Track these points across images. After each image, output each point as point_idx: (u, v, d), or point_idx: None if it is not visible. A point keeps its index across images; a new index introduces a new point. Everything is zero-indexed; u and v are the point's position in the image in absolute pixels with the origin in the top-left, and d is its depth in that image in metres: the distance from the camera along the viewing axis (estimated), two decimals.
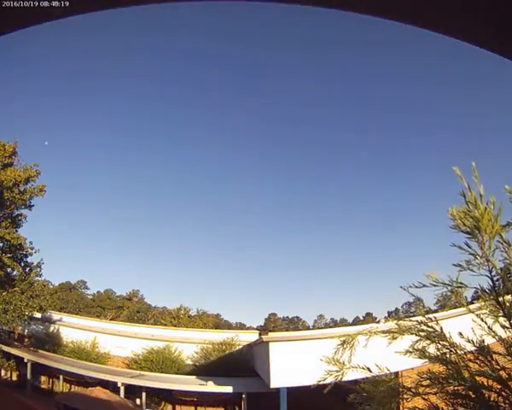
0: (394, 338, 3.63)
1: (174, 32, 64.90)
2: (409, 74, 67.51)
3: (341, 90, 74.48)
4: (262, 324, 64.61)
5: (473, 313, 3.47)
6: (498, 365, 3.17)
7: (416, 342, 3.55)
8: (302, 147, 79.96)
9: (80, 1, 1.65)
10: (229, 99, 77.88)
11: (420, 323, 3.57)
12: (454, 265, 3.07)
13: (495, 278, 3.09)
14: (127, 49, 65.60)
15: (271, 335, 17.55)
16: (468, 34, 1.69)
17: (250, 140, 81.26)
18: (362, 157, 79.50)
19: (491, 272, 3.03)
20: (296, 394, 14.67)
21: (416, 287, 3.32)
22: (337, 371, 3.73)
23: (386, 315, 46.61)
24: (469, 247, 3.02)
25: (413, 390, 3.31)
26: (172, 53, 71.20)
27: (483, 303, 3.29)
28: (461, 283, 3.21)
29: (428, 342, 3.46)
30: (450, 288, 3.27)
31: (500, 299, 3.08)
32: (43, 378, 21.88)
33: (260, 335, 24.87)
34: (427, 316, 3.61)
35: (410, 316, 4.31)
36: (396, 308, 53.80)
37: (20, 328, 21.28)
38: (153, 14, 39.95)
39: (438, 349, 3.41)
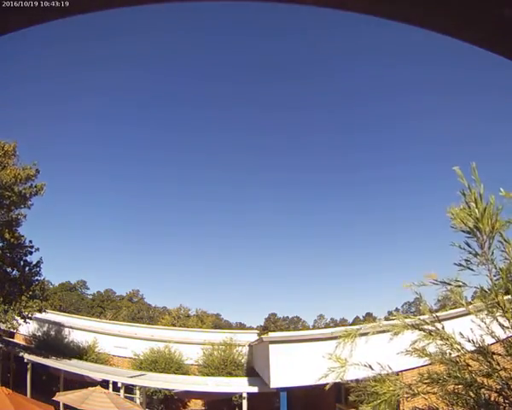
0: (396, 334, 3.63)
1: (174, 31, 64.88)
2: (409, 75, 67.47)
3: (340, 89, 74.48)
4: (262, 324, 64.60)
5: (472, 313, 3.47)
6: (499, 365, 3.17)
7: (415, 341, 3.55)
8: (303, 148, 79.93)
9: (80, 1, 1.65)
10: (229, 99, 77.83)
11: (422, 322, 3.57)
12: (455, 264, 3.07)
13: (495, 278, 3.09)
14: (127, 48, 65.58)
15: (271, 335, 17.50)
16: (467, 34, 1.69)
17: (254, 136, 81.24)
18: (361, 157, 79.48)
19: (490, 271, 3.03)
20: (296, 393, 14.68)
21: (418, 286, 3.32)
22: (339, 369, 3.73)
23: (387, 315, 46.64)
24: (469, 246, 3.01)
25: (414, 390, 3.31)
26: (172, 52, 71.17)
27: (482, 303, 3.29)
28: (458, 281, 3.21)
29: (428, 341, 3.46)
30: (449, 287, 3.27)
31: (500, 298, 3.08)
32: (43, 379, 21.85)
33: (260, 335, 24.85)
34: (428, 315, 3.61)
35: (410, 315, 4.29)
36: (396, 308, 53.78)
37: (19, 328, 21.25)
38: (153, 14, 39.94)
39: (438, 348, 3.40)
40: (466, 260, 3.03)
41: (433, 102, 71.19)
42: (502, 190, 2.92)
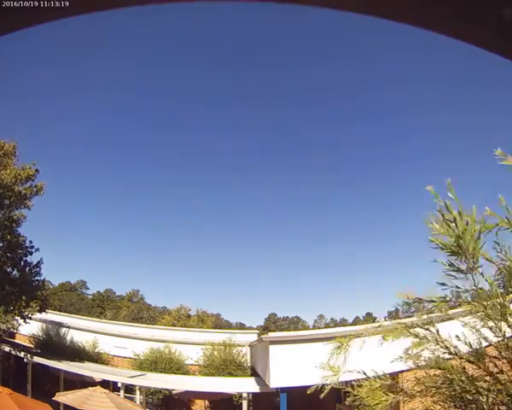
0: (386, 339, 3.62)
1: (174, 31, 64.92)
2: (409, 75, 67.51)
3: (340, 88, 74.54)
4: (262, 324, 64.60)
5: (465, 319, 3.46)
6: (496, 366, 3.16)
7: (409, 348, 3.54)
8: (303, 149, 79.97)
9: (80, 1, 1.65)
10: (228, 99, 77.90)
11: (415, 325, 3.56)
12: (438, 283, 3.07)
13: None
14: (127, 48, 65.64)
15: (271, 335, 17.50)
16: (467, 34, 1.69)
17: (255, 135, 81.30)
18: (362, 156, 79.52)
19: (476, 286, 3.02)
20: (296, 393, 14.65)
21: (406, 305, 3.30)
22: (333, 376, 3.72)
23: (387, 315, 46.62)
24: (452, 265, 3.00)
25: (409, 393, 3.30)
26: (172, 52, 71.22)
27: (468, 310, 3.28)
28: (444, 297, 3.20)
29: (422, 346, 3.45)
30: (433, 304, 3.27)
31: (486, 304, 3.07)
32: (43, 379, 21.85)
33: (260, 335, 24.83)
34: (423, 318, 3.60)
35: (409, 316, 4.28)
36: (396, 308, 53.79)
37: (20, 328, 21.25)
38: (154, 15, 39.93)
39: (432, 353, 3.39)
40: (449, 275, 3.02)
41: (433, 99, 71.17)
42: (487, 208, 2.92)
